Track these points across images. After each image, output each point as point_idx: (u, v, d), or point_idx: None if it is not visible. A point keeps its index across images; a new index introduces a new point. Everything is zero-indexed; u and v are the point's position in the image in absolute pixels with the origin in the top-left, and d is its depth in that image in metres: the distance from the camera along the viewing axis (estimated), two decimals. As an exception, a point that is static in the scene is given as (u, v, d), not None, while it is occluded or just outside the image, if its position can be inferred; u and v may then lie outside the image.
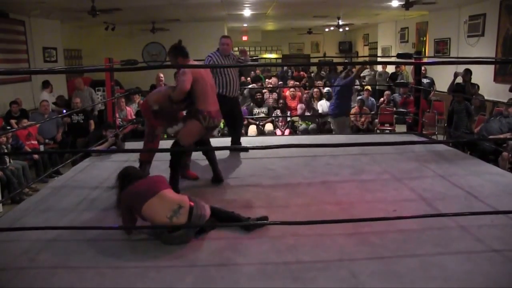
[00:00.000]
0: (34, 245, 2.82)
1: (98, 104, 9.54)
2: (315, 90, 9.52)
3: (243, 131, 8.28)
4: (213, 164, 3.98)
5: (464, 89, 7.53)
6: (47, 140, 7.80)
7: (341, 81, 7.07)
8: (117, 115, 7.80)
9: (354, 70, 8.83)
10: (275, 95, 9.53)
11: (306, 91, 9.74)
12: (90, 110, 9.07)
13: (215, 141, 5.57)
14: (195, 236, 2.85)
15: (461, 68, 7.87)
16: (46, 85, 9.79)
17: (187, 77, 3.54)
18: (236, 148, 5.28)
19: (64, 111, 8.80)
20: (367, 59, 15.94)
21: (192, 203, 2.84)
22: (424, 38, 12.22)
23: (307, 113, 8.46)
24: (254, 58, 19.33)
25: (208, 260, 2.60)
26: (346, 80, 6.94)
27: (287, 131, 8.38)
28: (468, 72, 7.67)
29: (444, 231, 2.90)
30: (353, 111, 8.37)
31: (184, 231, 2.78)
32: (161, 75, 7.84)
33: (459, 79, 7.60)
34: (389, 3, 9.65)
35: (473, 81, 7.95)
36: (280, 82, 11.92)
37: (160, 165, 4.54)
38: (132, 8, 9.50)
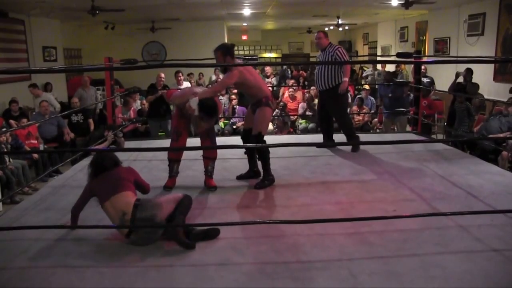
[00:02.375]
0: (34, 244, 2.82)
1: (99, 103, 9.55)
2: (312, 88, 9.53)
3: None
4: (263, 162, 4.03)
5: (465, 89, 7.53)
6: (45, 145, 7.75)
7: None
8: (120, 114, 7.82)
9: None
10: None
11: (306, 91, 9.74)
12: (92, 109, 9.08)
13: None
14: (167, 236, 2.78)
15: (461, 68, 7.88)
16: (48, 86, 9.84)
17: (233, 73, 3.77)
18: (235, 147, 5.23)
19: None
20: (366, 58, 15.96)
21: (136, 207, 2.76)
22: (424, 37, 12.22)
23: (308, 113, 8.46)
24: (254, 57, 19.36)
25: (208, 260, 2.60)
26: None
27: (285, 132, 8.37)
28: (469, 72, 7.67)
29: (444, 231, 2.90)
30: (352, 110, 8.40)
31: (138, 237, 2.75)
32: (162, 74, 7.83)
33: (461, 79, 7.60)
34: (389, 2, 9.65)
35: (472, 80, 7.95)
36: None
37: (160, 165, 4.55)
38: (132, 8, 9.50)
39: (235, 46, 4.04)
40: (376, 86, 11.78)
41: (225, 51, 3.90)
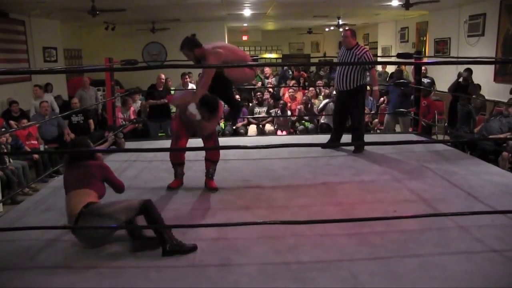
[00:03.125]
0: (34, 244, 2.82)
1: (100, 104, 9.55)
2: (311, 89, 9.54)
3: (242, 131, 8.31)
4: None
5: (466, 90, 7.51)
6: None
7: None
8: (120, 114, 7.83)
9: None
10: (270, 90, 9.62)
11: (306, 91, 9.74)
12: (93, 109, 9.07)
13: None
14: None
15: (462, 68, 7.87)
16: (48, 87, 9.83)
17: (216, 54, 3.65)
18: (233, 147, 5.22)
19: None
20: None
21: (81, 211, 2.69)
22: (424, 38, 12.22)
23: (306, 113, 8.47)
24: (254, 57, 19.36)
25: (208, 260, 2.59)
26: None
27: (285, 132, 8.38)
28: (469, 72, 7.66)
29: (444, 231, 2.90)
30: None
31: (80, 237, 2.74)
32: (162, 75, 7.83)
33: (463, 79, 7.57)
34: (389, 3, 9.65)
35: (473, 81, 7.95)
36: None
37: (160, 165, 4.56)
38: (132, 8, 9.50)
39: (195, 35, 3.78)
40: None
41: (191, 46, 3.68)
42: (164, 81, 7.90)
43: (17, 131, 6.96)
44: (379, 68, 13.03)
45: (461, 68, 7.85)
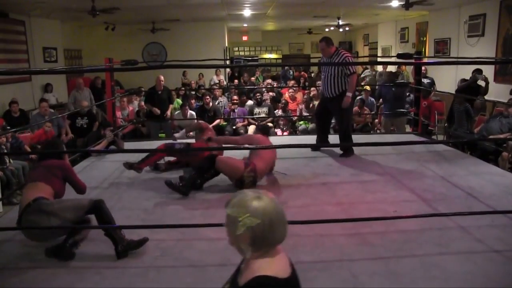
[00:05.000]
0: (34, 245, 2.81)
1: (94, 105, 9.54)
2: (312, 89, 9.53)
3: (242, 131, 8.30)
4: None
5: (477, 90, 7.41)
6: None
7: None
8: (119, 115, 7.82)
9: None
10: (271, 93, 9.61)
11: (306, 91, 9.74)
12: (92, 111, 9.06)
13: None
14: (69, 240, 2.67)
15: (462, 68, 7.83)
16: (48, 87, 9.84)
17: None
18: (233, 148, 5.22)
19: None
20: (367, 59, 15.93)
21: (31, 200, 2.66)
22: (424, 38, 12.22)
23: (306, 114, 8.45)
24: (254, 58, 19.37)
25: (208, 260, 2.59)
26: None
27: (286, 132, 8.38)
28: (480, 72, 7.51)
29: (444, 232, 2.90)
30: (353, 111, 8.40)
31: (25, 233, 2.71)
32: (161, 77, 7.83)
33: (481, 82, 7.44)
34: (389, 3, 9.65)
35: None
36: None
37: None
38: (132, 8, 9.51)
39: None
40: (376, 87, 11.80)
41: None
42: (163, 82, 7.88)
43: (36, 133, 7.01)
44: (379, 68, 13.03)
45: (461, 68, 7.84)
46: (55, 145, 3.16)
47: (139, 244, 2.70)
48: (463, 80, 7.74)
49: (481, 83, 7.44)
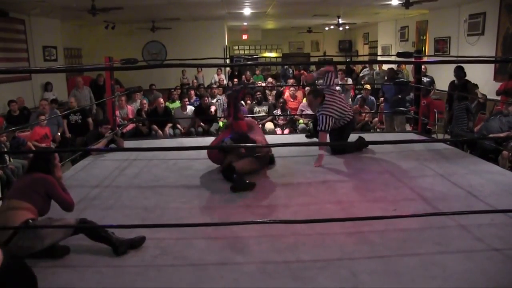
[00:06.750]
0: (34, 244, 2.81)
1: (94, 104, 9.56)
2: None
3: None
4: None
5: (463, 88, 7.49)
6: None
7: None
8: (118, 113, 7.82)
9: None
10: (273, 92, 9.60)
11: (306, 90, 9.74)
12: (88, 109, 9.07)
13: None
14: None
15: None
16: (48, 86, 9.84)
17: None
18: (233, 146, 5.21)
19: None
20: (367, 58, 15.93)
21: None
22: (424, 37, 12.22)
23: (308, 112, 8.45)
24: (254, 56, 19.35)
25: (208, 260, 2.59)
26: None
27: (286, 130, 8.37)
28: (461, 69, 7.63)
29: (444, 230, 2.89)
30: (354, 109, 8.41)
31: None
32: (161, 99, 8.00)
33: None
34: (389, 2, 9.65)
35: (473, 80, 7.94)
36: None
37: (161, 164, 4.55)
38: (132, 7, 9.50)
39: None
40: (375, 86, 11.79)
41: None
42: (163, 105, 8.02)
43: (34, 132, 6.99)
44: (376, 67, 13.01)
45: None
46: (45, 159, 2.90)
47: (138, 242, 2.70)
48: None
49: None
